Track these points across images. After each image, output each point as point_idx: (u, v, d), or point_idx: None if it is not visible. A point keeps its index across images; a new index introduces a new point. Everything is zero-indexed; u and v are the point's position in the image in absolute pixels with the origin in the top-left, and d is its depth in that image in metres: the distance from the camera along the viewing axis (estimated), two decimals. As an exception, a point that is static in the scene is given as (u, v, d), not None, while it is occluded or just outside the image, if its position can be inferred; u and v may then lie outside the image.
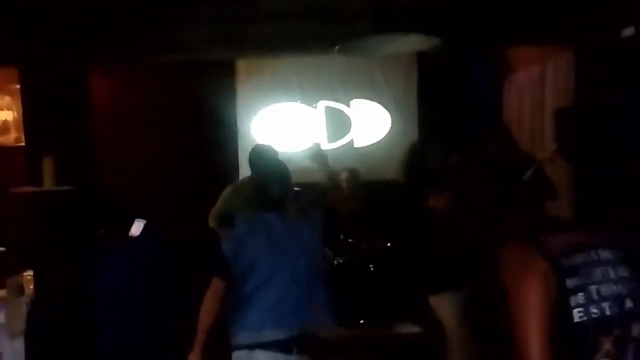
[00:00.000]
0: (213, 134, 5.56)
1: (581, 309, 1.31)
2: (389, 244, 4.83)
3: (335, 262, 4.67)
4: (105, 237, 3.04)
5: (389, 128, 5.90)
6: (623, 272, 1.36)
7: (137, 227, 3.20)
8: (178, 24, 3.75)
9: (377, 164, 5.75)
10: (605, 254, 1.36)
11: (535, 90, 4.79)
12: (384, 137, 5.90)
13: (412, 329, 4.46)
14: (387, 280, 4.51)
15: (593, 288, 1.32)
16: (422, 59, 5.70)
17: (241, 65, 5.72)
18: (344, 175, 5.17)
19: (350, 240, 4.88)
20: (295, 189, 2.80)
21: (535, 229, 1.44)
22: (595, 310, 1.31)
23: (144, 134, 5.29)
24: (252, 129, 5.77)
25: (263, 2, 3.48)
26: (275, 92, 5.78)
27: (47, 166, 3.87)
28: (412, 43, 3.28)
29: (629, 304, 1.32)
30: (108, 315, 2.89)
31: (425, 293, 3.30)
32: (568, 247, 1.36)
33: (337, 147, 5.92)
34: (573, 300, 1.31)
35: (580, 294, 1.32)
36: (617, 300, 1.32)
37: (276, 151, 3.72)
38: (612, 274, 1.34)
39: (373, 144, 5.92)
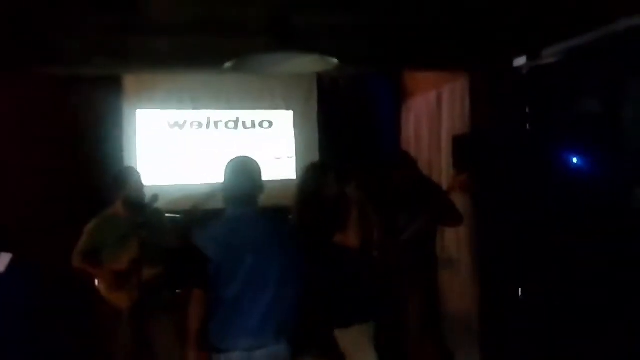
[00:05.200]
0: (97, 154, 5.06)
1: None
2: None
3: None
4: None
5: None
6: None
7: (1, 262, 2.87)
8: (59, 34, 3.35)
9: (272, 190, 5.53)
10: None
11: (432, 116, 4.85)
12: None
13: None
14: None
15: None
16: (322, 80, 5.61)
17: (129, 80, 5.29)
18: None
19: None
20: None
21: None
22: None
23: (17, 149, 4.65)
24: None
25: (152, 13, 3.16)
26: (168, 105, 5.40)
27: None
28: (308, 64, 3.14)
29: None
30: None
31: (333, 327, 3.14)
32: None
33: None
34: None
35: None
36: None
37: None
38: None
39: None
